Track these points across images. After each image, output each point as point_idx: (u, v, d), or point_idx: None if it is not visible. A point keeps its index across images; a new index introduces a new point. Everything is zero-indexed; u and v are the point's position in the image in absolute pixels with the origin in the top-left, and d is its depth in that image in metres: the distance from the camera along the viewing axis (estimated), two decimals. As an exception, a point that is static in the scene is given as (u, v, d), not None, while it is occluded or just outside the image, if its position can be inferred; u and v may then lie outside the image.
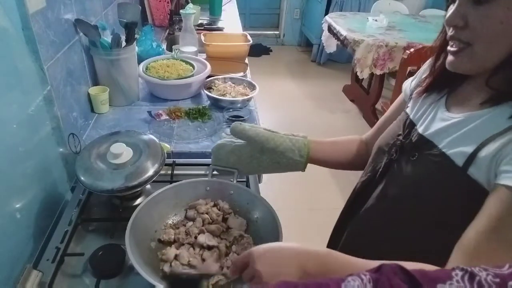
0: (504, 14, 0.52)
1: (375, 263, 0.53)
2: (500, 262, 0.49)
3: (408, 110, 0.75)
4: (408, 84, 0.81)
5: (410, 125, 0.72)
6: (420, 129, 0.68)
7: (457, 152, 0.59)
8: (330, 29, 3.26)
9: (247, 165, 0.85)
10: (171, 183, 0.88)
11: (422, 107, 0.71)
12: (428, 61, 0.74)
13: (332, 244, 0.93)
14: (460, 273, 0.31)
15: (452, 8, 0.58)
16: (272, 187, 2.47)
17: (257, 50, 4.68)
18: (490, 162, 0.54)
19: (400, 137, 0.72)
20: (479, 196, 0.55)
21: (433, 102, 0.69)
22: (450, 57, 0.61)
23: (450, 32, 0.60)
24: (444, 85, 0.68)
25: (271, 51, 4.88)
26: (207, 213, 0.84)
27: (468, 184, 0.57)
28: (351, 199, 0.86)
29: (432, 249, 0.59)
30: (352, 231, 0.84)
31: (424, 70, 0.76)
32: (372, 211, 0.76)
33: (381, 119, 0.88)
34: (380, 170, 0.75)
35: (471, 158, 0.56)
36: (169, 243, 0.79)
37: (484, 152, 0.55)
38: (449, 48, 0.61)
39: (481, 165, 0.55)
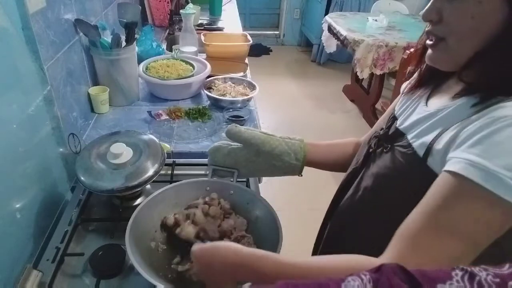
0: (475, 9, 0.52)
1: (305, 263, 0.53)
2: (439, 248, 0.51)
3: (396, 106, 0.76)
4: (405, 85, 0.82)
5: (392, 119, 0.73)
6: (398, 122, 0.69)
7: (420, 143, 0.59)
8: (330, 29, 3.26)
9: (243, 168, 0.85)
10: (171, 183, 0.88)
11: (406, 102, 0.72)
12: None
13: (318, 239, 0.93)
14: (460, 273, 0.31)
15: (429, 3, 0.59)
16: (272, 187, 2.47)
17: (257, 50, 4.68)
18: (444, 152, 0.54)
19: (381, 131, 0.73)
20: None
21: (417, 98, 0.69)
22: (428, 51, 0.62)
23: (427, 27, 0.61)
24: (429, 82, 0.69)
25: (271, 51, 4.88)
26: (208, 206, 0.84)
27: (429, 175, 0.56)
28: (336, 193, 0.86)
29: None
30: (332, 224, 0.85)
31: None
32: (349, 203, 0.77)
33: (378, 121, 0.88)
34: (360, 162, 0.76)
35: (429, 148, 0.57)
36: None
37: (439, 142, 0.56)
38: (427, 42, 0.62)
39: (436, 156, 0.56)
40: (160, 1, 2.28)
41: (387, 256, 0.54)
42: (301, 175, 0.86)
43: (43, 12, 0.93)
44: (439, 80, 0.67)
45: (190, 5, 1.99)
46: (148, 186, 0.99)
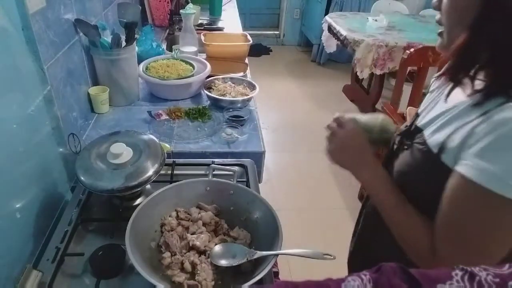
0: (460, 2, 0.57)
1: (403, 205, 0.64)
2: (458, 243, 0.56)
3: (422, 104, 0.77)
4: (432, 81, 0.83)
5: (415, 116, 0.74)
6: (419, 119, 0.71)
7: (435, 139, 0.61)
8: (330, 29, 3.26)
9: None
10: (171, 183, 0.88)
11: (429, 99, 0.73)
12: None
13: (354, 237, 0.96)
14: (460, 273, 0.31)
15: None
16: (272, 187, 2.46)
17: (257, 50, 4.68)
18: (457, 149, 0.57)
19: (403, 127, 0.75)
20: None
21: (439, 95, 0.70)
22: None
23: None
24: (453, 77, 0.69)
25: (271, 51, 4.87)
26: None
27: (443, 170, 0.59)
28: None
29: None
30: (362, 224, 0.88)
31: None
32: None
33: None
34: (385, 160, 0.78)
35: (443, 145, 0.59)
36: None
37: (453, 140, 0.58)
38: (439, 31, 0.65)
39: (450, 152, 0.58)
40: (160, 1, 2.28)
41: (440, 255, 0.59)
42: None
43: (43, 12, 0.93)
44: (461, 76, 0.68)
45: (190, 5, 1.99)
46: (148, 186, 0.99)
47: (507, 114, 0.51)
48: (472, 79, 0.58)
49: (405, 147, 0.70)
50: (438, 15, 0.64)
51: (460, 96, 0.62)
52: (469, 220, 0.55)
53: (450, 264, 0.51)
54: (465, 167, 0.54)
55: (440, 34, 0.64)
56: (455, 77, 0.61)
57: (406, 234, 0.64)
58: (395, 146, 0.75)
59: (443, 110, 0.63)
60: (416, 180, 0.66)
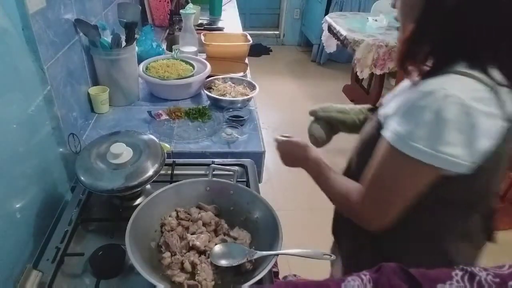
0: None
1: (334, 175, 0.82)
2: (373, 196, 0.69)
3: None
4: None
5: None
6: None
7: (382, 113, 0.74)
8: (330, 29, 3.26)
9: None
10: (171, 183, 0.88)
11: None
12: None
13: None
14: (460, 273, 0.31)
15: None
16: (272, 187, 2.46)
17: (257, 50, 4.68)
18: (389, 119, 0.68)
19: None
20: None
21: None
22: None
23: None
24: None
25: (271, 51, 4.87)
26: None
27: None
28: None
29: None
30: None
31: None
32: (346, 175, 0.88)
33: None
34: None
35: (385, 118, 0.71)
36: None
37: (386, 111, 0.71)
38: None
39: (386, 122, 0.69)
40: (160, 1, 2.28)
41: (361, 199, 0.71)
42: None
43: (43, 12, 0.93)
44: (407, 64, 0.78)
45: (190, 5, 1.99)
46: (148, 186, 0.99)
47: (421, 88, 0.61)
48: (418, 67, 0.66)
49: (369, 121, 0.82)
50: (395, 12, 0.73)
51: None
52: (383, 173, 0.67)
53: (370, 213, 0.70)
54: (385, 130, 0.67)
55: (397, 28, 0.75)
56: (402, 65, 0.69)
57: (338, 193, 0.78)
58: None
59: (399, 89, 0.78)
60: (367, 149, 0.75)
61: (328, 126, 1.01)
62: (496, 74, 0.61)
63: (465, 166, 0.60)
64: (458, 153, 0.58)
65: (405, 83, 0.76)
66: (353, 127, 0.99)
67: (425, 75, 0.65)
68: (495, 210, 0.76)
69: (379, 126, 0.72)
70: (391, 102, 0.73)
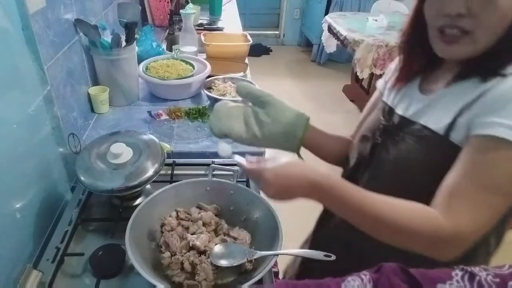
0: (502, 1, 0.57)
1: (378, 198, 0.61)
2: (477, 204, 0.57)
3: (384, 99, 0.81)
4: (382, 82, 0.88)
5: (390, 111, 0.78)
6: (399, 112, 0.75)
7: (438, 123, 0.65)
8: (330, 29, 3.26)
9: (247, 125, 0.85)
10: (171, 183, 0.88)
11: (398, 94, 0.78)
12: (395, 61, 0.84)
13: (319, 227, 0.98)
14: (460, 273, 0.31)
15: None
16: (272, 187, 2.46)
17: (257, 50, 4.68)
18: (467, 126, 0.61)
19: (382, 122, 0.77)
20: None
21: (408, 89, 0.76)
22: (443, 46, 0.65)
23: (442, 21, 0.63)
24: (418, 72, 0.76)
25: (271, 51, 4.87)
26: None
27: (451, 149, 0.63)
28: None
29: None
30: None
31: (394, 68, 0.84)
32: None
33: (361, 116, 0.92)
34: (366, 155, 0.79)
35: (451, 125, 0.63)
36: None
37: (462, 118, 0.62)
38: (440, 37, 0.65)
39: (460, 130, 0.62)
40: (160, 1, 2.28)
41: (443, 215, 0.59)
42: (300, 156, 0.87)
43: (43, 12, 0.93)
44: (426, 70, 0.75)
45: (190, 5, 1.99)
46: (148, 186, 0.99)
47: (504, 85, 0.58)
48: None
49: (396, 138, 0.72)
50: (447, 20, 0.62)
51: (439, 85, 0.70)
52: (498, 176, 0.58)
53: (468, 228, 0.57)
54: (484, 129, 0.58)
55: (455, 41, 0.63)
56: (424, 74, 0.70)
57: (406, 220, 0.59)
58: (377, 141, 0.76)
59: (431, 99, 0.69)
60: (419, 162, 0.68)
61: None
62: None
63: None
64: None
65: (431, 91, 0.71)
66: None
67: (462, 76, 0.65)
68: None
69: (433, 139, 0.65)
70: (446, 112, 0.65)
